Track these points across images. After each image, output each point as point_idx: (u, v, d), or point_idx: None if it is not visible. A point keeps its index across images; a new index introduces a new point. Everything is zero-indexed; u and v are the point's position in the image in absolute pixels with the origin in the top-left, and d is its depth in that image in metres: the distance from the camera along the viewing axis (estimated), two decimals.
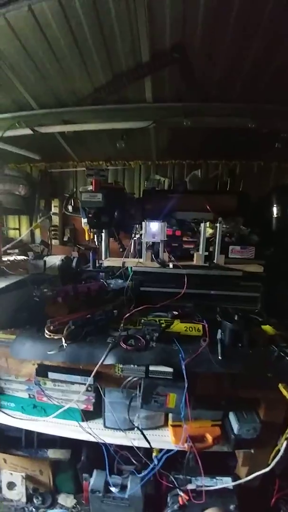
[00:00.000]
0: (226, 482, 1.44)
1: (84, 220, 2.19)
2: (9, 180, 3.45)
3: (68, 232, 3.74)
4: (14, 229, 4.01)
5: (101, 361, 1.26)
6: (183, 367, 1.22)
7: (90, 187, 2.08)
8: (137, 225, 2.22)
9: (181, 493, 1.36)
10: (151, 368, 1.27)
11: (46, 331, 1.39)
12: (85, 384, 1.33)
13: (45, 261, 2.18)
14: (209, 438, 1.36)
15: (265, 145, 2.65)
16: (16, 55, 1.83)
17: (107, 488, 1.51)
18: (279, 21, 1.50)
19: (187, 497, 1.33)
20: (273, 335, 1.47)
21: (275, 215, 2.30)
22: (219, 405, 1.44)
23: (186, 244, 2.01)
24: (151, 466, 1.34)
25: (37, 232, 3.96)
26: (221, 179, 3.40)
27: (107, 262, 2.08)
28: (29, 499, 1.82)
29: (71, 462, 1.78)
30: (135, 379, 1.30)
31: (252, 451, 1.42)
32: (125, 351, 1.31)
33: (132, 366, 1.28)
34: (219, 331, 1.41)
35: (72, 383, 1.41)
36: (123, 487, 1.51)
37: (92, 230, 2.24)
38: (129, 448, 1.49)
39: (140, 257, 1.93)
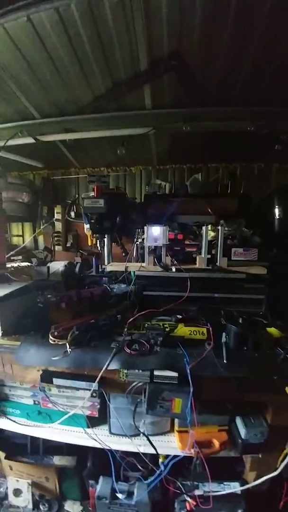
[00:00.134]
0: (234, 487, 1.42)
1: (86, 226, 2.22)
2: (13, 188, 3.50)
3: (71, 238, 3.77)
4: (18, 236, 4.05)
5: (105, 366, 1.26)
6: (188, 371, 1.22)
7: (92, 193, 2.12)
8: (139, 230, 2.24)
9: (189, 499, 1.34)
10: (156, 373, 1.27)
11: (51, 337, 1.39)
12: (90, 389, 1.33)
13: (48, 267, 2.21)
14: (216, 443, 1.35)
15: (265, 147, 2.66)
16: (16, 65, 1.87)
17: (114, 495, 1.50)
18: (277, 22, 1.51)
19: (194, 503, 1.32)
20: (278, 338, 1.46)
21: (277, 216, 2.30)
22: (226, 410, 1.43)
23: (188, 248, 2.01)
24: (158, 472, 1.33)
25: (41, 238, 4.00)
26: (222, 182, 3.41)
27: (110, 267, 2.10)
28: (36, 505, 1.80)
29: (77, 468, 1.76)
30: (140, 384, 1.30)
31: (260, 455, 1.40)
32: (130, 356, 1.31)
33: (136, 371, 1.28)
34: (224, 334, 1.40)
35: (77, 389, 1.41)
36: (129, 494, 1.50)
37: (94, 235, 2.27)
38: (135, 455, 1.48)
39: (143, 261, 1.94)
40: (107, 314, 1.58)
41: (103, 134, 2.46)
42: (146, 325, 1.55)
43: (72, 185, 3.87)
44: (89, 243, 2.41)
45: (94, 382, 1.30)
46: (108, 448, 1.44)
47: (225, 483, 1.45)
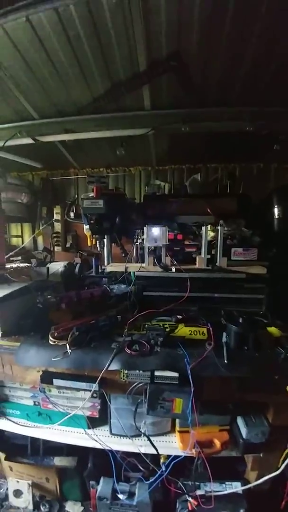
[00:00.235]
0: (236, 487, 1.42)
1: (86, 227, 2.22)
2: (12, 188, 3.50)
3: (70, 239, 3.77)
4: (17, 236, 4.05)
5: (106, 367, 1.26)
6: (189, 371, 1.22)
7: (92, 194, 2.11)
8: (139, 230, 2.24)
9: (190, 499, 1.34)
10: (157, 373, 1.26)
11: (50, 337, 1.39)
12: (90, 390, 1.33)
13: (48, 268, 2.20)
14: (217, 443, 1.35)
15: (264, 147, 2.66)
16: (16, 65, 1.87)
17: (115, 495, 1.50)
18: (275, 21, 1.51)
19: (196, 503, 1.31)
20: (279, 337, 1.46)
21: (276, 216, 2.31)
22: (227, 410, 1.43)
23: (188, 248, 2.02)
24: (159, 472, 1.33)
25: (40, 239, 4.00)
26: (221, 182, 3.42)
27: (110, 268, 2.10)
28: (36, 506, 1.80)
29: (77, 469, 1.76)
30: (140, 384, 1.30)
31: (261, 455, 1.40)
32: (130, 357, 1.31)
33: (137, 371, 1.28)
34: (224, 334, 1.40)
35: (77, 389, 1.41)
36: (131, 494, 1.50)
37: (94, 236, 2.26)
38: (136, 455, 1.48)
39: (143, 262, 1.94)
40: (107, 315, 1.58)
41: (102, 134, 2.46)
42: (146, 325, 1.55)
43: (71, 186, 3.88)
44: (89, 244, 2.41)
45: (94, 382, 1.29)
46: (109, 448, 1.44)
47: (226, 483, 1.44)
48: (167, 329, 1.46)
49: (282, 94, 2.02)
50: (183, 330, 1.46)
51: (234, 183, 3.27)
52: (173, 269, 1.83)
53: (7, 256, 2.82)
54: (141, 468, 1.50)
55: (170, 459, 1.34)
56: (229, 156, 3.28)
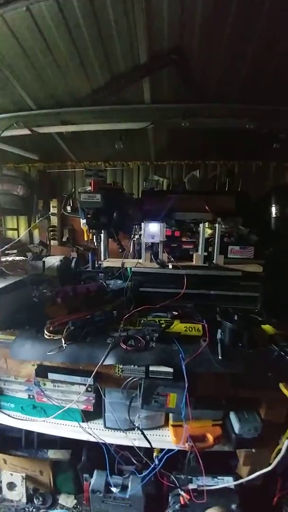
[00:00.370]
0: (228, 482, 1.44)
1: (83, 221, 2.19)
2: (7, 180, 3.45)
3: (67, 233, 3.74)
4: (12, 229, 4.00)
5: (101, 361, 1.27)
6: (183, 367, 1.23)
7: (89, 188, 2.08)
8: (136, 226, 2.22)
9: (183, 493, 1.36)
10: (151, 368, 1.27)
11: (46, 331, 1.39)
12: (85, 384, 1.33)
13: (44, 262, 2.18)
14: (210, 437, 1.36)
15: (263, 145, 2.66)
16: (14, 55, 1.82)
17: (108, 488, 1.51)
18: (276, 21, 1.50)
19: (188, 497, 1.33)
20: (273, 335, 1.48)
21: (274, 214, 2.31)
22: (220, 405, 1.44)
23: (185, 245, 2.01)
24: (152, 466, 1.34)
25: (36, 232, 3.96)
26: (220, 179, 3.40)
27: (106, 263, 2.08)
28: (30, 499, 1.81)
29: (71, 462, 1.77)
30: (135, 379, 1.31)
31: (253, 450, 1.42)
32: (125, 352, 1.31)
33: (132, 366, 1.28)
34: (219, 331, 1.41)
35: (72, 383, 1.40)
36: (124, 487, 1.51)
37: (91, 230, 2.24)
38: (130, 448, 1.49)
39: (140, 257, 1.94)
40: (103, 310, 1.58)
41: (101, 127, 2.43)
42: (142, 321, 1.55)
43: (68, 179, 3.83)
44: (85, 238, 2.38)
45: (89, 377, 1.30)
46: (103, 442, 1.45)
47: (218, 477, 1.46)
48: (163, 325, 1.47)
49: (282, 93, 2.02)
50: (179, 326, 1.46)
51: (232, 180, 3.26)
52: (170, 266, 1.83)
53: (2, 249, 2.79)
54: (134, 461, 1.52)
55: (163, 452, 1.35)
56: (229, 154, 3.27)
